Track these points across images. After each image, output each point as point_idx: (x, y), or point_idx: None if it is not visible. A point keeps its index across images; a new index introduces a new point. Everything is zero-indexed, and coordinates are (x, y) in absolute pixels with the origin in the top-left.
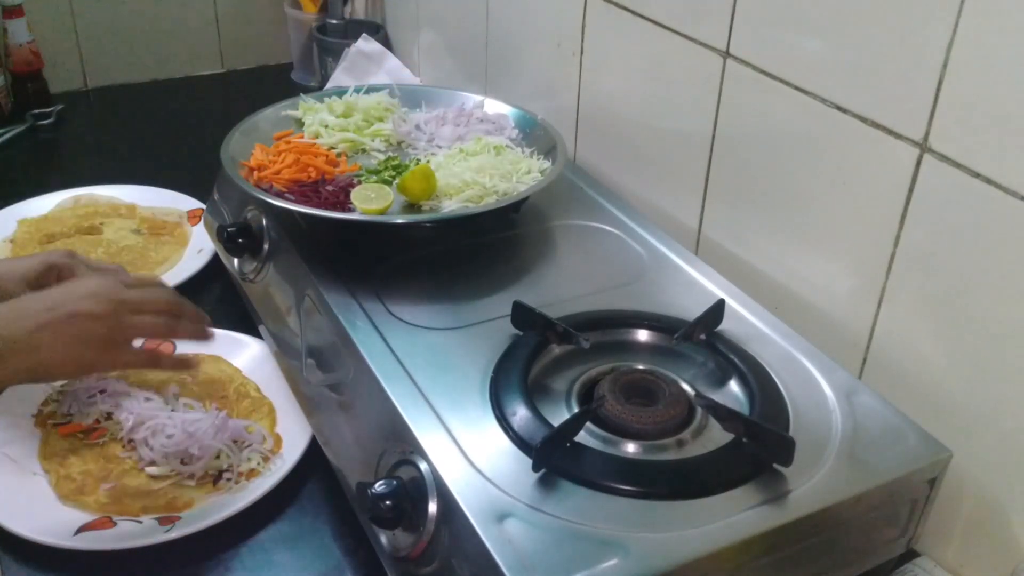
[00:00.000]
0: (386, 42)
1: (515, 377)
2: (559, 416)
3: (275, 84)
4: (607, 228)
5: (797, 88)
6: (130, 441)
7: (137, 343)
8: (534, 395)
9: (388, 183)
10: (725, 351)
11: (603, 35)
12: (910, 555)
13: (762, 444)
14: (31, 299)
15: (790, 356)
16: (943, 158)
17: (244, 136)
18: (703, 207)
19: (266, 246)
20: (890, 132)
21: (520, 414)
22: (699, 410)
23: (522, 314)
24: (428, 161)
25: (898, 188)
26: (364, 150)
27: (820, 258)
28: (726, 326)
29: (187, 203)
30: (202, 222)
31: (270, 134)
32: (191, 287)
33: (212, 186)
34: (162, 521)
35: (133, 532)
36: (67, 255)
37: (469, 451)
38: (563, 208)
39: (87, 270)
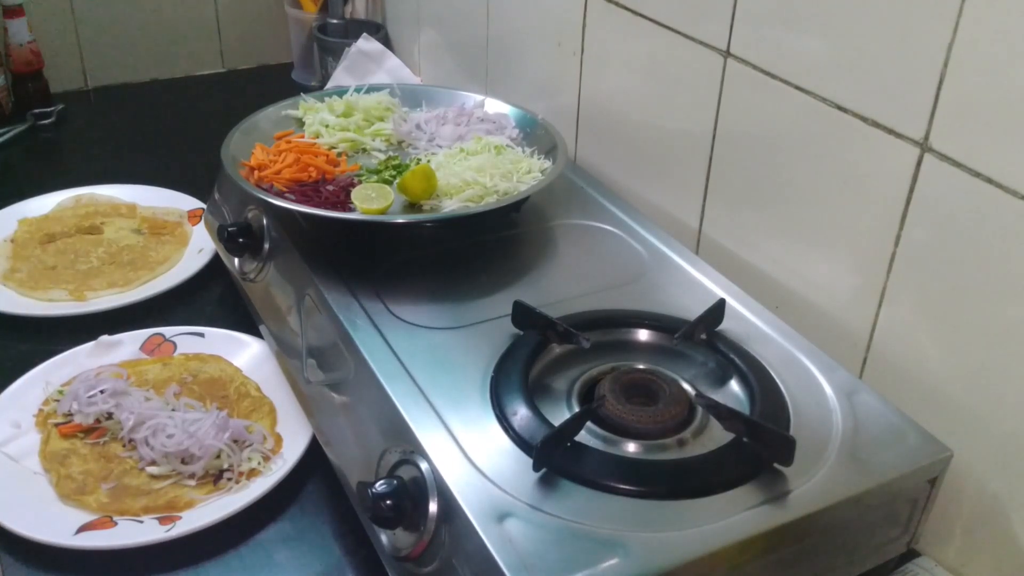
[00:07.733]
0: (386, 41)
1: (515, 377)
2: (559, 416)
3: (275, 84)
4: (607, 228)
5: (797, 87)
6: (130, 441)
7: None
8: (534, 395)
9: (388, 183)
10: (725, 350)
11: (603, 34)
12: (910, 555)
13: (762, 444)
14: None
15: (790, 356)
16: (944, 158)
17: (244, 136)
18: (703, 206)
19: (266, 246)
20: (891, 132)
21: (520, 414)
22: (699, 409)
23: (523, 313)
24: (428, 161)
25: (899, 188)
26: (364, 150)
27: (821, 257)
28: (726, 325)
29: (187, 203)
30: (202, 222)
31: (270, 134)
32: (191, 287)
33: (212, 186)
34: (162, 521)
35: (133, 532)
36: None
37: (469, 451)
38: (563, 208)
39: None
